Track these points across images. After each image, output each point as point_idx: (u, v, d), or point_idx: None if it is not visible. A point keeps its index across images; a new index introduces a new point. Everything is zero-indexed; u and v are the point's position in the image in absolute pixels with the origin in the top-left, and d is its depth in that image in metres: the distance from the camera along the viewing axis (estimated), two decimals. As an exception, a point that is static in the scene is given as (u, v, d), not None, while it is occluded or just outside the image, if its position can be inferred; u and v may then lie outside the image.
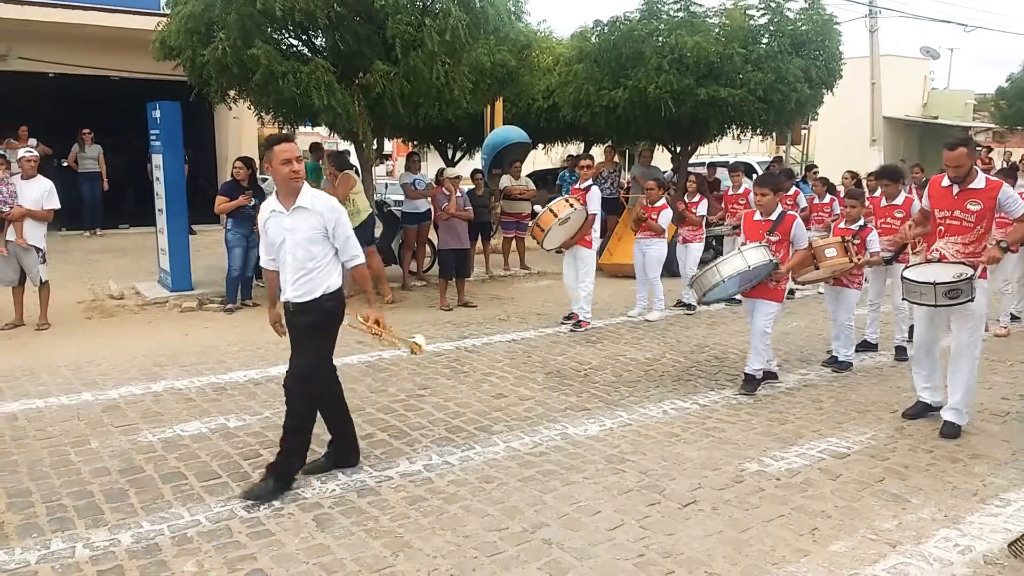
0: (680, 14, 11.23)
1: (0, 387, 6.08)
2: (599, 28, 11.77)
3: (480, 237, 11.47)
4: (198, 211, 11.16)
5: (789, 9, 11.44)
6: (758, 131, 12.50)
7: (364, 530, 3.87)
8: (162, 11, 11.23)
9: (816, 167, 12.65)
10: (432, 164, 16.47)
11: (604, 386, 6.30)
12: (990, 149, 14.79)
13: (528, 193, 12.14)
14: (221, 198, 8.91)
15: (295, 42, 9.36)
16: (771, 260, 5.81)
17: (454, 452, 4.87)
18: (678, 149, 12.99)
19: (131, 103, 12.49)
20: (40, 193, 7.84)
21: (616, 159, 14.58)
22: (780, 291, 6.07)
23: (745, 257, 5.78)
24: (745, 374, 6.18)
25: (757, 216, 6.19)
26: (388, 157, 18.99)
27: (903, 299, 5.58)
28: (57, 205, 8.03)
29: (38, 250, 7.87)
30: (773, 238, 5.99)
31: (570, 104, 12.15)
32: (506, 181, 12.10)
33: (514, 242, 12.24)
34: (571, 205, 7.85)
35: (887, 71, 21.55)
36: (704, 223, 9.60)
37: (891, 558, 3.64)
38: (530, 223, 9.37)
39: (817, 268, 6.39)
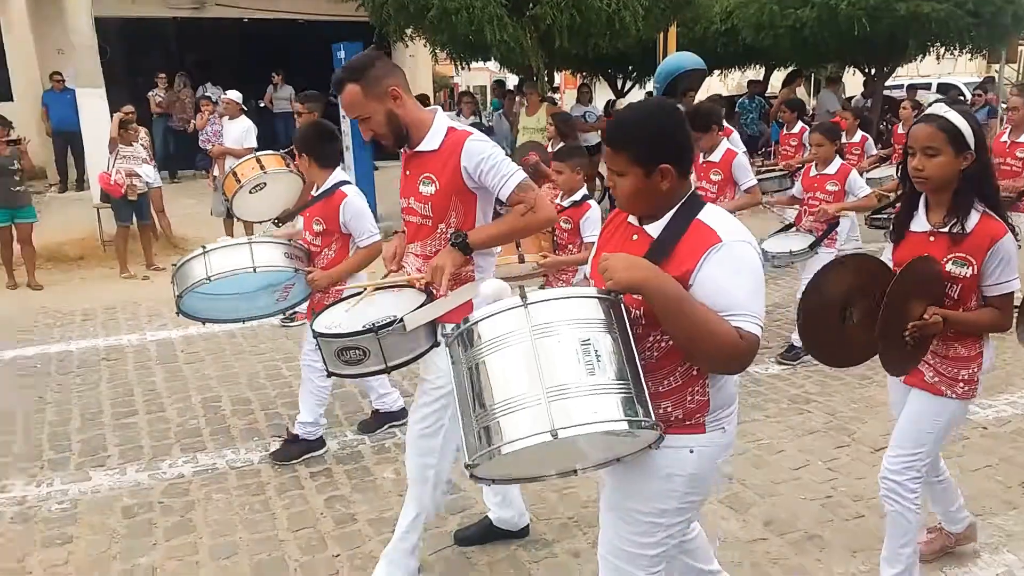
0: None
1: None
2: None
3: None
4: (379, 147, 11.67)
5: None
6: (966, 49, 11.22)
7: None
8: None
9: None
10: (600, 96, 16.15)
11: (787, 324, 6.06)
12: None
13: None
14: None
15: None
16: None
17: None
18: (872, 72, 11.95)
19: (317, 45, 13.17)
20: (240, 132, 8.48)
21: (800, 86, 13.63)
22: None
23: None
24: None
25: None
26: (556, 90, 18.85)
27: None
28: (254, 144, 8.68)
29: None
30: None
31: (751, 26, 11.48)
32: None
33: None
34: None
35: None
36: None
37: (1119, 519, 3.31)
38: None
39: None
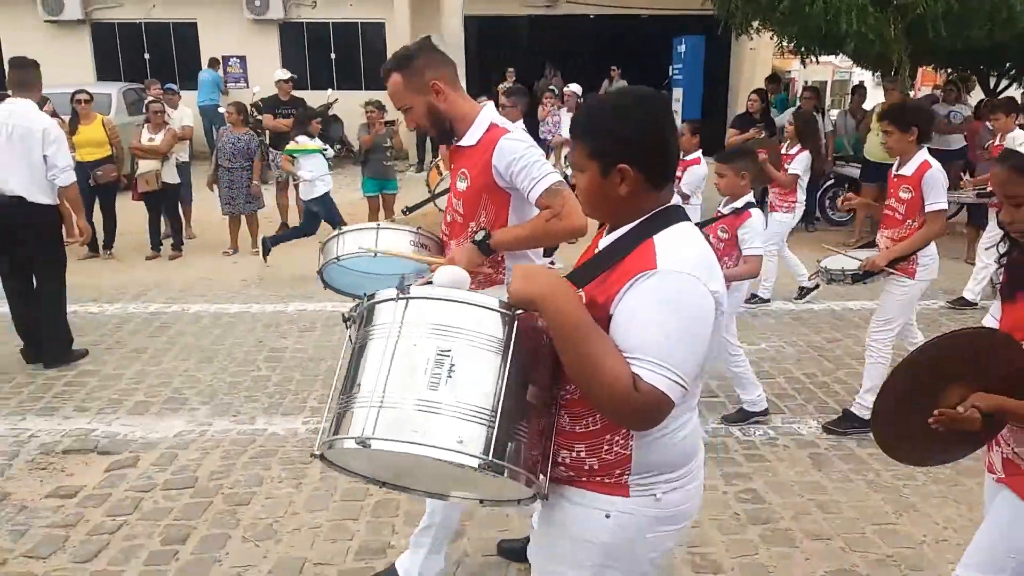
0: None
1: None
2: None
3: None
4: (709, 146, 11.52)
5: None
6: None
7: (864, 480, 3.69)
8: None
9: None
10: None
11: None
12: None
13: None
14: (732, 131, 9.03)
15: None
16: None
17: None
18: None
19: (657, 40, 13.36)
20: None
21: None
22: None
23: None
24: None
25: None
26: (912, 86, 16.93)
27: None
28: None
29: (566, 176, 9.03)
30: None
31: None
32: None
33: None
34: None
35: None
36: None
37: None
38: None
39: None
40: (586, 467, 1.63)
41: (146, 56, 16.16)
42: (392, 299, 1.57)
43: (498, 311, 1.53)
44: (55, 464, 3.88)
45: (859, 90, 11.34)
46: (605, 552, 1.64)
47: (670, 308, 1.48)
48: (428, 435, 1.44)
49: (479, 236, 2.52)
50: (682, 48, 9.80)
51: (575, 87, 9.59)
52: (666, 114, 1.63)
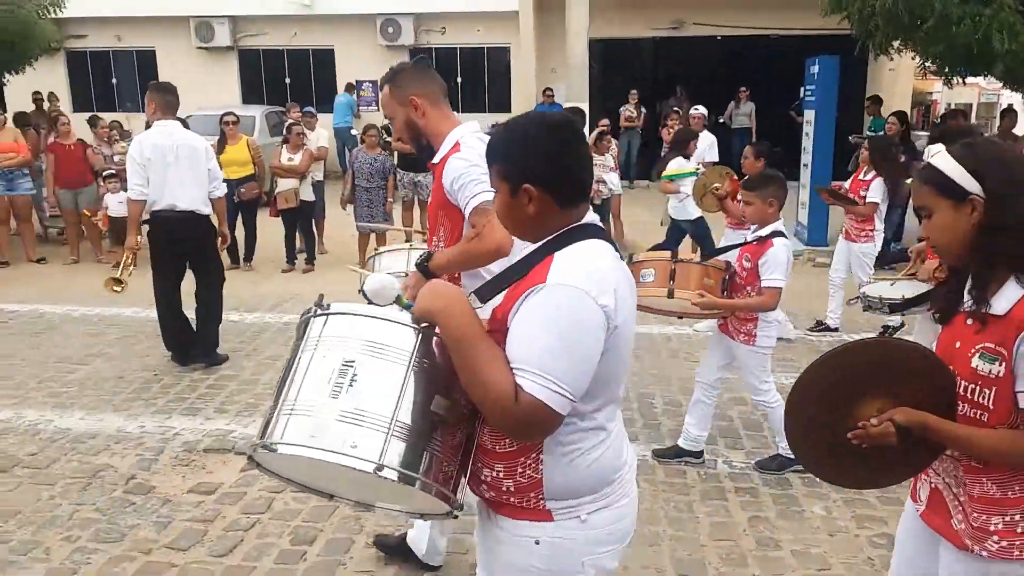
0: None
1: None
2: None
3: None
4: (839, 169, 11.06)
5: None
6: None
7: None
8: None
9: None
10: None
11: None
12: None
13: None
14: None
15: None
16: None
17: None
18: None
19: (787, 60, 12.95)
20: (704, 146, 8.75)
21: None
22: None
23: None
24: None
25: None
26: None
27: None
28: (715, 158, 8.88)
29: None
30: None
31: None
32: None
33: None
34: None
35: None
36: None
37: None
38: None
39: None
40: (504, 488, 1.67)
41: (287, 80, 17.18)
42: (313, 315, 1.69)
43: (406, 325, 1.62)
44: (196, 461, 4.13)
45: (1009, 113, 10.58)
46: None
47: (553, 320, 1.52)
48: (324, 440, 1.53)
49: (420, 259, 2.65)
50: (815, 69, 9.42)
51: (701, 109, 9.43)
52: (574, 138, 1.68)
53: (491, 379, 1.51)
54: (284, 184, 8.48)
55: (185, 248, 5.42)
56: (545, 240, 1.66)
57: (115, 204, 8.54)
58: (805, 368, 1.80)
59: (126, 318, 6.72)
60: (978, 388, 1.72)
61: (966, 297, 1.79)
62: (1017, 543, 1.71)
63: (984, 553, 1.73)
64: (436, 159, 2.69)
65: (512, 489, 1.66)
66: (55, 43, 13.21)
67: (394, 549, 3.21)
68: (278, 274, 8.42)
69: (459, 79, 16.63)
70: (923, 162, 1.89)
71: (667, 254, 3.98)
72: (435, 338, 1.62)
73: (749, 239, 3.88)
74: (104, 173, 8.94)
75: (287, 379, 1.65)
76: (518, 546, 1.67)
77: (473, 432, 1.69)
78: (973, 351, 1.73)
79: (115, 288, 5.44)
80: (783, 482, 3.91)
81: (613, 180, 9.07)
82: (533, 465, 1.63)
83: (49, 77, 15.13)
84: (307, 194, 8.58)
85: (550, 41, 15.23)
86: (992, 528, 1.72)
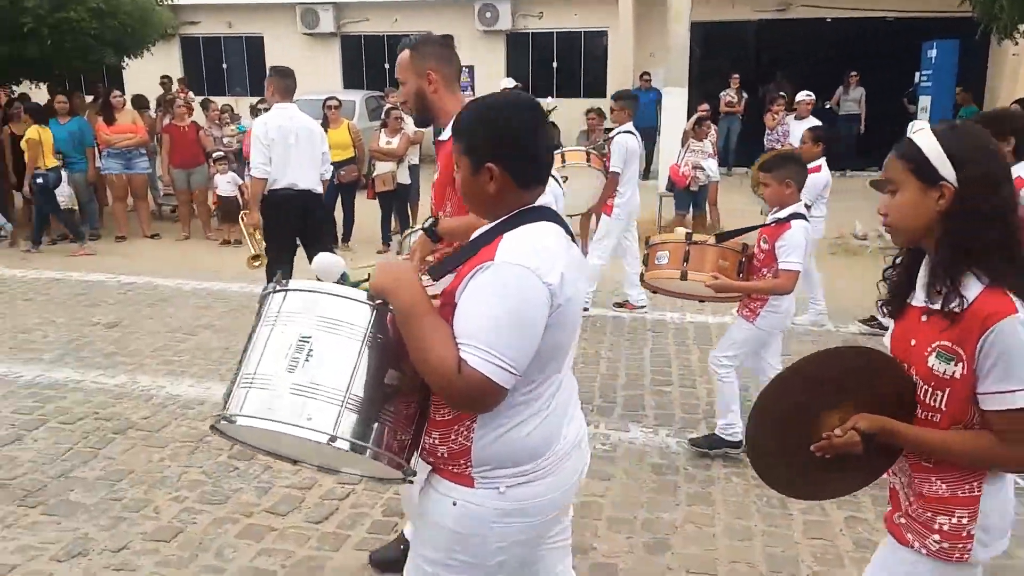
0: None
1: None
2: None
3: None
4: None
5: None
6: None
7: None
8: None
9: None
10: None
11: None
12: None
13: None
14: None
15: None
16: None
17: None
18: None
19: (901, 44, 12.32)
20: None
21: None
22: None
23: None
24: None
25: None
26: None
27: None
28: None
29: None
30: None
31: None
32: None
33: None
34: None
35: None
36: None
37: None
38: None
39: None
40: (439, 454, 1.75)
41: (386, 66, 17.52)
42: (272, 292, 1.75)
43: (360, 301, 1.68)
44: (295, 432, 4.30)
45: None
46: (453, 538, 1.74)
47: (498, 297, 1.59)
48: (280, 412, 1.61)
49: (427, 223, 2.68)
50: (932, 53, 8.95)
51: (807, 94, 9.07)
52: (537, 120, 1.73)
53: (435, 353, 1.59)
54: (382, 167, 8.68)
55: (302, 225, 5.66)
56: (496, 221, 1.73)
57: (224, 184, 8.94)
58: (750, 410, 1.78)
59: (232, 292, 7.04)
60: (930, 390, 1.68)
61: (917, 289, 1.73)
62: (959, 546, 1.69)
63: (923, 551, 1.72)
64: (444, 136, 2.74)
65: (445, 456, 1.75)
66: (171, 29, 13.84)
67: (395, 562, 2.90)
68: (374, 254, 8.63)
69: (555, 64, 16.57)
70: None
71: (682, 236, 3.91)
72: (389, 314, 1.68)
73: (768, 221, 3.81)
74: (213, 155, 9.36)
75: (246, 352, 1.73)
76: (438, 503, 1.77)
77: (428, 404, 1.77)
78: (930, 349, 1.67)
79: (254, 264, 5.83)
80: (882, 484, 3.74)
81: (711, 167, 8.86)
82: (465, 434, 1.71)
83: (165, 61, 15.89)
84: (403, 177, 8.75)
85: (649, 24, 14.95)
86: (936, 527, 1.70)
